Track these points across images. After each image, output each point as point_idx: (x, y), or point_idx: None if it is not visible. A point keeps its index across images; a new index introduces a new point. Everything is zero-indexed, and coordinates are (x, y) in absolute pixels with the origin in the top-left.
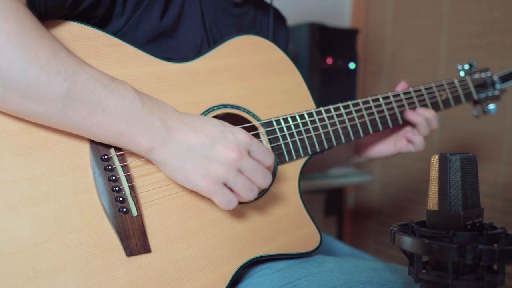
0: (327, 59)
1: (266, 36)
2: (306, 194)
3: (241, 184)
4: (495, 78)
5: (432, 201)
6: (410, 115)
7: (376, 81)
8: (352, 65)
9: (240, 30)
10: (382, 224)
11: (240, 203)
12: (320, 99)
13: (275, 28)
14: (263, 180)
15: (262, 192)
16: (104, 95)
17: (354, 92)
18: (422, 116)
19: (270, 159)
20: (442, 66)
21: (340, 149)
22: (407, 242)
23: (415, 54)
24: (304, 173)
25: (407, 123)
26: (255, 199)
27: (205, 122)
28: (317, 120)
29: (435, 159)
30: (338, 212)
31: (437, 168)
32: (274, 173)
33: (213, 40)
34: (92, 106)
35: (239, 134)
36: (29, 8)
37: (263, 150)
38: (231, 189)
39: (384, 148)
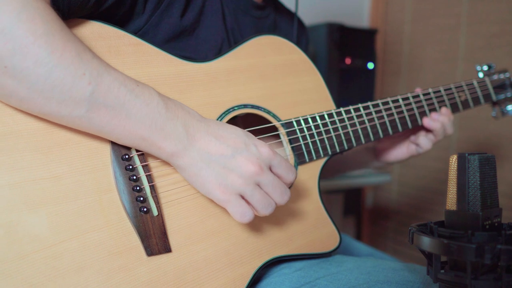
0: (345, 59)
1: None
2: (324, 194)
3: (258, 198)
4: None
5: (451, 201)
6: (428, 123)
7: (395, 81)
8: (370, 65)
9: (260, 32)
10: (400, 224)
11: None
12: (339, 99)
13: (297, 37)
14: (281, 196)
15: None
16: (128, 99)
17: (373, 92)
18: (439, 122)
19: (291, 175)
20: (461, 66)
21: (359, 153)
22: (426, 242)
23: (434, 54)
24: (325, 177)
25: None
26: None
27: (229, 131)
28: (337, 120)
29: (453, 159)
30: (356, 212)
31: (455, 168)
32: (289, 196)
33: (234, 40)
34: (115, 110)
35: (262, 148)
36: (53, 8)
37: (285, 166)
38: (248, 202)
39: (399, 152)
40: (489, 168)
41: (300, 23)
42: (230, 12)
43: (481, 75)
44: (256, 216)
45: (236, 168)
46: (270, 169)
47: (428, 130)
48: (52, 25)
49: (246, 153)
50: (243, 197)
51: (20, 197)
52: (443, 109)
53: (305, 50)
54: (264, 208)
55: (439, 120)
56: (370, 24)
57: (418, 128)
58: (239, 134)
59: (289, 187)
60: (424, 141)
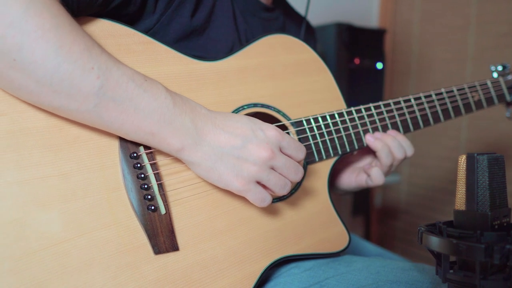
0: (354, 59)
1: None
2: (333, 194)
3: (275, 181)
4: None
5: (460, 201)
6: (369, 141)
7: (404, 81)
8: (379, 65)
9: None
10: (409, 224)
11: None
12: (348, 99)
13: (305, 40)
14: (295, 174)
15: (292, 191)
16: (137, 94)
17: (382, 92)
18: (383, 142)
19: (301, 153)
20: (470, 66)
21: None
22: (435, 242)
23: (443, 54)
24: None
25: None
26: (285, 198)
27: (235, 121)
28: (347, 120)
29: (462, 159)
30: (365, 212)
31: (464, 168)
32: (303, 173)
33: (245, 40)
34: (124, 105)
35: (269, 131)
36: (63, 5)
37: (294, 146)
38: (264, 186)
39: (347, 179)
40: (498, 168)
41: (309, 27)
42: (240, 13)
43: (495, 75)
44: (265, 216)
45: (248, 157)
46: (281, 150)
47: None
48: (61, 19)
49: (255, 140)
50: (259, 183)
51: (28, 195)
52: (389, 131)
53: None
54: (281, 189)
55: (382, 139)
56: (379, 24)
57: (365, 156)
58: (245, 122)
59: (304, 169)
60: (376, 173)
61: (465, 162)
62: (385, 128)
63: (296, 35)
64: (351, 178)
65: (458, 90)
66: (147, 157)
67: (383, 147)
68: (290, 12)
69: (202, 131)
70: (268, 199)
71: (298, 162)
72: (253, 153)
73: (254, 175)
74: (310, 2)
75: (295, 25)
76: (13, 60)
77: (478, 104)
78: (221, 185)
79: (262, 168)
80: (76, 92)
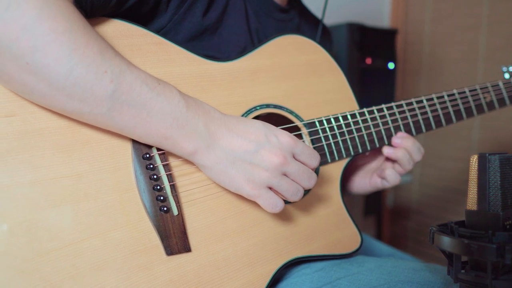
0: (366, 59)
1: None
2: (345, 194)
3: (286, 187)
4: None
5: (471, 201)
6: (389, 152)
7: (415, 81)
8: (391, 65)
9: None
10: (421, 224)
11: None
12: (359, 99)
13: (321, 42)
14: (308, 181)
15: (304, 193)
16: (150, 98)
17: (393, 92)
18: (403, 149)
19: (315, 160)
20: (481, 66)
21: None
22: (446, 242)
23: (454, 54)
24: None
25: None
26: None
27: (249, 125)
28: (360, 121)
29: (474, 159)
30: (377, 212)
31: (476, 168)
32: (317, 180)
33: (257, 40)
34: (137, 108)
35: (283, 137)
36: (76, 7)
37: (308, 153)
38: (276, 192)
39: (361, 184)
40: (509, 168)
41: (326, 30)
42: (253, 13)
43: (507, 76)
44: (277, 217)
45: (261, 162)
46: (294, 157)
47: (393, 160)
48: (74, 22)
49: (268, 146)
50: (271, 188)
51: (41, 195)
52: (400, 133)
53: None
54: (293, 195)
55: (402, 145)
56: (391, 24)
57: (380, 159)
58: (259, 127)
59: (316, 172)
60: (391, 174)
61: (476, 162)
62: (397, 129)
63: (311, 36)
64: (365, 182)
65: (470, 91)
66: (160, 158)
67: (404, 155)
68: (306, 13)
69: (215, 135)
70: (280, 205)
71: (313, 168)
72: (265, 159)
73: (265, 181)
74: (326, 5)
75: (310, 26)
76: (26, 63)
77: (490, 105)
78: (232, 189)
79: (273, 174)
80: (89, 96)
